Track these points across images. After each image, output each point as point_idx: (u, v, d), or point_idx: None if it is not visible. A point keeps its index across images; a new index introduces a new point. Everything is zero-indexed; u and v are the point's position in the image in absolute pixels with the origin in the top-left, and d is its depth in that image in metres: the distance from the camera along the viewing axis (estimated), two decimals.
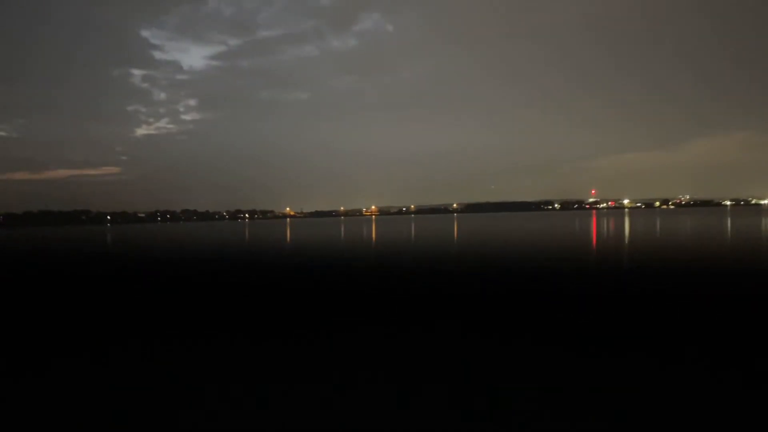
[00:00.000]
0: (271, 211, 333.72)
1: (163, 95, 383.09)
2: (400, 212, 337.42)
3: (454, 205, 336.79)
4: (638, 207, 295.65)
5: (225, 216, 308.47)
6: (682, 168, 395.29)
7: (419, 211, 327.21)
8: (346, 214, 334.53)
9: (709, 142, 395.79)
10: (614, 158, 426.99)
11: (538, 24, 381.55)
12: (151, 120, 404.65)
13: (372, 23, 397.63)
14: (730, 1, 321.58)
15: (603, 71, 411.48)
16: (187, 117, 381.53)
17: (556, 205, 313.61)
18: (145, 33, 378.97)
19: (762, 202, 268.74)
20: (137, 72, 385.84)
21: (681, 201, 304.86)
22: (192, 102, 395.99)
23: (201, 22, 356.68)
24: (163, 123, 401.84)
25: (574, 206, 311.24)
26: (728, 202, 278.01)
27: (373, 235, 52.45)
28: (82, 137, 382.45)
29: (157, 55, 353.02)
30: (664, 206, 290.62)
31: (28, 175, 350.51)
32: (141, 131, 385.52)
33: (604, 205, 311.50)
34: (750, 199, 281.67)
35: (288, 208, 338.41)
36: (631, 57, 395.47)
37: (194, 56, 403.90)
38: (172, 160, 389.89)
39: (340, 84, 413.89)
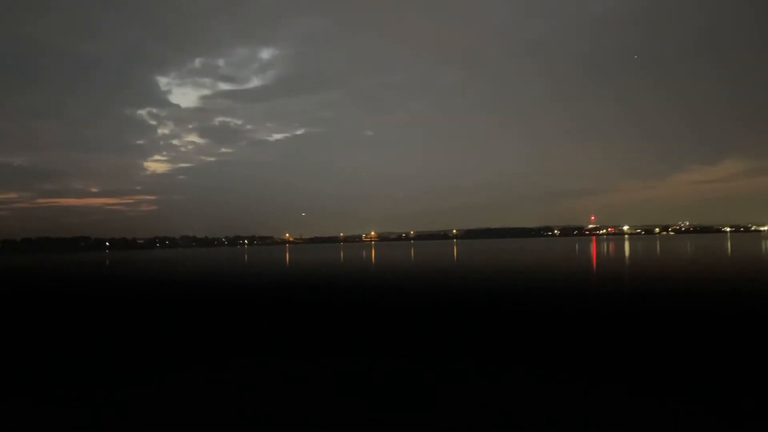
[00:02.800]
0: (270, 237, 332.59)
1: (167, 131, 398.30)
2: (399, 238, 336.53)
3: (454, 231, 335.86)
4: (638, 233, 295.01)
5: (224, 242, 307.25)
6: (679, 196, 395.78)
7: (419, 237, 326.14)
8: (346, 240, 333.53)
9: (700, 171, 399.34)
10: (613, 186, 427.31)
11: (538, 64, 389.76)
12: (155, 153, 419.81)
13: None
14: (720, 41, 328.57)
15: (599, 106, 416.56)
16: (187, 150, 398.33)
17: (556, 232, 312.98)
18: (156, 79, 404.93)
19: (762, 228, 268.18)
20: (146, 111, 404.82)
21: (681, 227, 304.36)
22: (194, 138, 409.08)
23: (208, 71, 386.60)
24: (166, 157, 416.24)
25: (574, 232, 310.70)
26: (728, 229, 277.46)
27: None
28: (95, 169, 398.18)
29: (165, 96, 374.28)
30: (664, 233, 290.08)
31: (47, 201, 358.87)
32: (147, 164, 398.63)
33: (604, 231, 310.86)
34: (750, 225, 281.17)
35: (287, 234, 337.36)
36: (626, 96, 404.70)
37: (197, 99, 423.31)
38: (172, 190, 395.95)
39: (338, 122, 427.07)
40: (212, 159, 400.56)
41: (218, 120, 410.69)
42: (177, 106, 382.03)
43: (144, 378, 8.89)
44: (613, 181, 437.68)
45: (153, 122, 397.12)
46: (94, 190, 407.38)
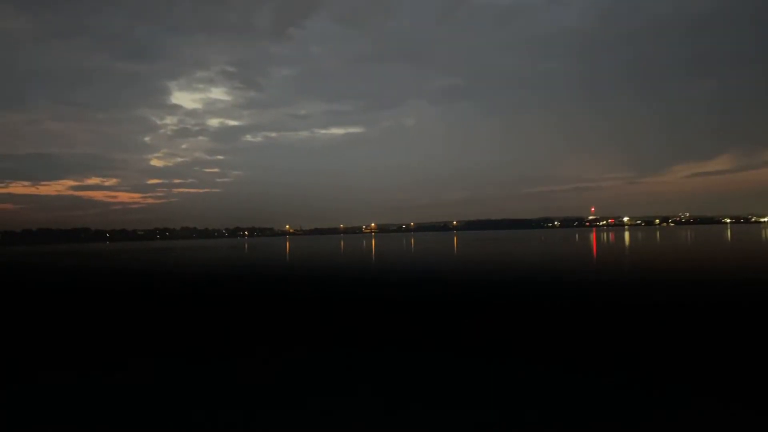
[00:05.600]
0: (270, 229, 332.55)
1: (171, 132, 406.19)
2: (399, 229, 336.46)
3: (454, 222, 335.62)
4: (638, 225, 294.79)
5: (225, 233, 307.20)
6: (679, 188, 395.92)
7: (419, 228, 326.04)
8: (346, 231, 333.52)
9: (697, 163, 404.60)
10: (612, 178, 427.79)
11: (537, 70, 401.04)
12: (158, 151, 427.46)
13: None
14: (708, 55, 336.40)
15: (599, 106, 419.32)
16: (189, 147, 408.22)
17: (556, 223, 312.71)
18: (166, 83, 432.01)
19: (762, 219, 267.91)
20: (156, 112, 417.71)
21: (681, 219, 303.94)
22: (196, 137, 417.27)
23: (212, 80, 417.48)
24: (169, 153, 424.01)
25: (574, 224, 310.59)
26: (728, 220, 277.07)
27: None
28: (97, 162, 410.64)
29: (172, 100, 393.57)
30: (664, 224, 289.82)
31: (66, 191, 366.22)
32: (153, 159, 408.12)
33: (604, 222, 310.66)
34: (750, 216, 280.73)
35: (287, 226, 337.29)
36: (626, 98, 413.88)
37: (201, 101, 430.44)
38: (174, 184, 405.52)
39: (341, 129, 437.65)
40: (214, 156, 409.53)
41: (220, 120, 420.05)
42: (182, 107, 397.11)
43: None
44: (613, 173, 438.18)
45: (158, 121, 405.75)
46: (106, 183, 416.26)
